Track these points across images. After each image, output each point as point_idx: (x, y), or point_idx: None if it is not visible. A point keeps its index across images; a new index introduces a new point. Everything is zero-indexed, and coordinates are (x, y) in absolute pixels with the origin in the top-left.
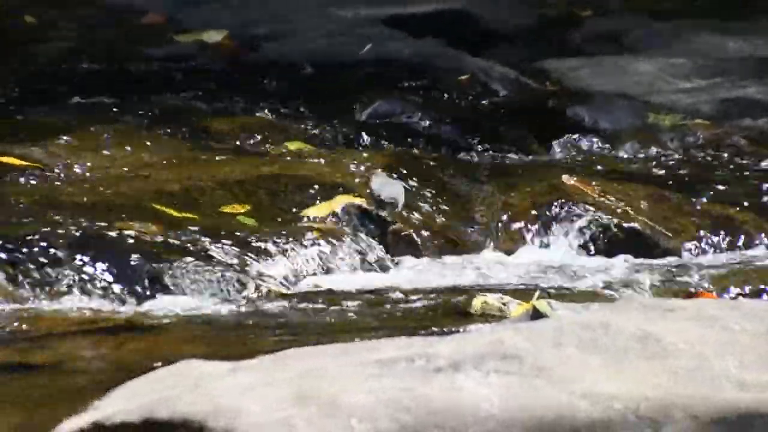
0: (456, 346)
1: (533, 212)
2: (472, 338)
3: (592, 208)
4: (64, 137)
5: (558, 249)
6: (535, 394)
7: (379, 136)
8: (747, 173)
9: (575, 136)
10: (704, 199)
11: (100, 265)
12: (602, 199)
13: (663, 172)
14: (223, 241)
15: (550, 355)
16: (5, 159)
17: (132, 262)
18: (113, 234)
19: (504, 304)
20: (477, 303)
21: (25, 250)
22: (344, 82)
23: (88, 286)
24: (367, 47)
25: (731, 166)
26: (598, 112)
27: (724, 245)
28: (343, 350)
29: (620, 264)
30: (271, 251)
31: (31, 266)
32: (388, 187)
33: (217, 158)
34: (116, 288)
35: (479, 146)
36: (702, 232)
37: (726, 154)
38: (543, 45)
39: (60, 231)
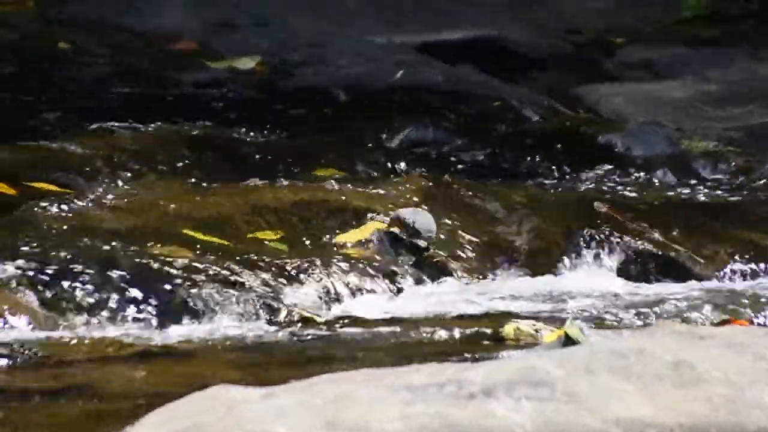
0: (488, 372)
1: (566, 239)
2: (504, 364)
3: (624, 235)
4: (96, 163)
5: (591, 275)
6: (567, 420)
7: (412, 162)
8: None
9: (608, 162)
10: (736, 226)
11: (133, 291)
12: (634, 225)
13: (695, 198)
14: (256, 267)
15: (582, 382)
16: (38, 185)
17: (164, 287)
18: (145, 259)
19: (536, 330)
20: (509, 329)
21: (57, 275)
22: (377, 109)
23: (121, 311)
24: (400, 73)
25: (763, 193)
26: (631, 139)
27: (756, 272)
28: (374, 376)
29: (652, 290)
30: (303, 277)
31: (63, 291)
32: (420, 216)
33: (249, 184)
34: (148, 313)
35: (512, 172)
36: (734, 259)
37: (758, 182)
38: (576, 72)
39: (92, 256)
